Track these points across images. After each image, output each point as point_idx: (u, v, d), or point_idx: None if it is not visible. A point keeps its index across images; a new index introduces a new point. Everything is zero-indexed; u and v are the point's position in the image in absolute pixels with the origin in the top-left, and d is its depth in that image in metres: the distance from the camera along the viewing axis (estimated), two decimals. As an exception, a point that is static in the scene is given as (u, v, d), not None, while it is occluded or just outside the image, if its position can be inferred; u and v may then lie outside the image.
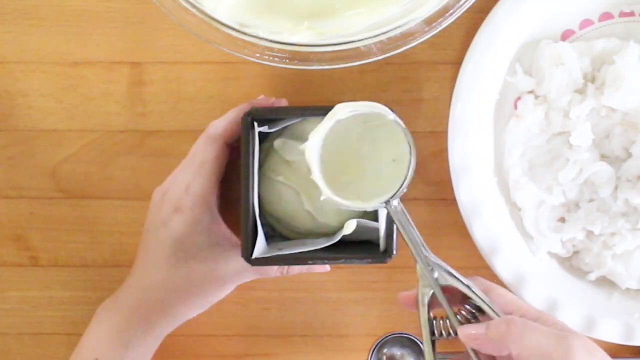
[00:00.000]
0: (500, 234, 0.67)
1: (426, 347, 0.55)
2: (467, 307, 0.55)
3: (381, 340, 0.67)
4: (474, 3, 0.61)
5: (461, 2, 0.61)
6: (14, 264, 0.70)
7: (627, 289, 0.68)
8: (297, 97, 0.69)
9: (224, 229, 0.65)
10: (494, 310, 0.54)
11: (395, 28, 0.61)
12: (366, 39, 0.61)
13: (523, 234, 0.68)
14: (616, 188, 0.66)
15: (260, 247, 0.63)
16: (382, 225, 0.62)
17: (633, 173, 0.66)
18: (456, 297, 0.56)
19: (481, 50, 0.66)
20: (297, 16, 0.62)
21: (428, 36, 0.61)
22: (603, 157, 0.67)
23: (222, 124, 0.64)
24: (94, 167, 0.70)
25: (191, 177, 0.64)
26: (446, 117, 0.66)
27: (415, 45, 0.61)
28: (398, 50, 0.61)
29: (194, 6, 0.61)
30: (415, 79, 0.69)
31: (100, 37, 0.69)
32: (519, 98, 0.68)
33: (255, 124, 0.63)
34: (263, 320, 0.71)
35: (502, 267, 0.67)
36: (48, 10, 0.68)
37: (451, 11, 0.61)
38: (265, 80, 0.69)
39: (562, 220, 0.68)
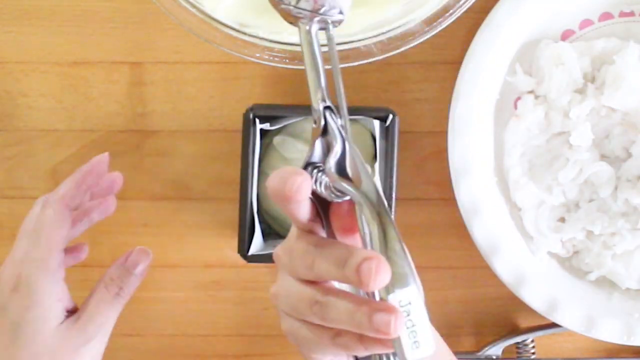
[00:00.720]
0: (500, 234, 0.67)
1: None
2: None
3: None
4: (474, 3, 0.61)
5: (461, 2, 0.61)
6: (14, 264, 0.70)
7: (627, 289, 0.68)
8: (297, 97, 0.69)
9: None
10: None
11: (395, 28, 0.61)
12: (366, 39, 0.61)
13: (523, 234, 0.68)
14: (616, 188, 0.66)
15: (257, 244, 0.63)
16: None
17: (633, 173, 0.66)
18: None
19: (481, 50, 0.66)
20: (297, 16, 0.62)
21: (428, 36, 0.61)
22: (603, 157, 0.67)
23: (61, 188, 0.57)
24: (94, 167, 0.70)
25: (26, 248, 0.54)
26: (446, 117, 0.66)
27: (415, 45, 0.61)
28: (398, 50, 0.61)
29: (194, 6, 0.61)
30: (415, 79, 0.69)
31: (100, 37, 0.69)
32: (519, 98, 0.68)
33: (257, 120, 0.63)
34: (263, 320, 0.71)
35: (502, 267, 0.67)
36: (48, 10, 0.68)
37: (451, 11, 0.61)
38: (265, 80, 0.69)
39: (562, 220, 0.68)
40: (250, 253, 0.63)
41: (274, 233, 0.67)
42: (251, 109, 0.63)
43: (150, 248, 0.69)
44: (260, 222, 0.64)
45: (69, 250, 0.59)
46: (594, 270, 0.67)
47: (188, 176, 0.70)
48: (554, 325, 0.68)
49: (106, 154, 0.59)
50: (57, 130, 0.69)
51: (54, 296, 0.53)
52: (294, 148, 0.65)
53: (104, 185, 0.60)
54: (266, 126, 0.64)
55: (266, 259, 0.63)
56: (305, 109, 0.65)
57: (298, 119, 0.65)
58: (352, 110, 0.64)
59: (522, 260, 0.67)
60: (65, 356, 0.53)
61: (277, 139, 0.65)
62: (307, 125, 0.65)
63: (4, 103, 0.69)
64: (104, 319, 0.54)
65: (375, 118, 0.64)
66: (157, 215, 0.70)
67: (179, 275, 0.69)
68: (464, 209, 0.66)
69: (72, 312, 0.55)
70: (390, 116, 0.63)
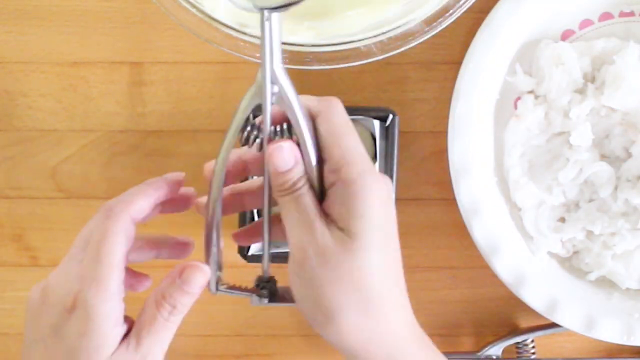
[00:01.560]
0: (500, 234, 0.67)
1: (229, 139, 0.50)
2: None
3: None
4: (474, 3, 0.61)
5: (461, 2, 0.61)
6: (14, 264, 0.70)
7: (627, 289, 0.68)
8: (297, 97, 0.69)
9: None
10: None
11: (395, 28, 0.61)
12: (366, 39, 0.61)
13: (523, 234, 0.68)
14: (616, 188, 0.66)
15: (257, 244, 0.63)
16: None
17: (633, 173, 0.66)
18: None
19: (481, 50, 0.66)
20: (297, 16, 0.62)
21: (428, 36, 0.61)
22: (603, 157, 0.67)
23: (126, 197, 0.51)
24: (94, 167, 0.70)
25: (86, 262, 0.48)
26: (446, 117, 0.66)
27: (415, 45, 0.61)
28: (398, 50, 0.61)
29: (194, 6, 0.61)
30: (415, 79, 0.69)
31: (100, 37, 0.69)
32: (519, 98, 0.68)
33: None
34: (263, 320, 0.71)
35: (502, 267, 0.67)
36: (48, 10, 0.68)
37: (451, 11, 0.61)
38: (265, 80, 0.69)
39: (562, 220, 0.68)
40: (250, 253, 0.63)
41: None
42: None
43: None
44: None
45: (131, 274, 0.53)
46: (594, 270, 0.67)
47: (188, 176, 0.69)
48: (554, 325, 0.68)
49: (182, 174, 0.54)
50: (57, 130, 0.69)
51: (112, 321, 0.48)
52: None
53: (176, 201, 0.55)
54: None
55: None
56: None
57: None
58: (352, 110, 0.64)
59: (522, 260, 0.67)
60: None
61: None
62: None
63: (4, 103, 0.69)
64: (158, 344, 0.50)
65: (375, 118, 0.64)
66: (156, 215, 0.69)
67: (179, 275, 0.69)
68: (464, 209, 0.66)
69: (126, 331, 0.50)
70: (390, 116, 0.63)
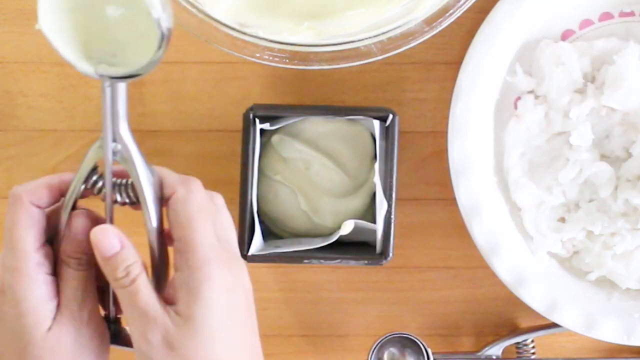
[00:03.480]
0: (500, 234, 0.67)
1: (73, 186, 0.51)
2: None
3: (381, 340, 0.67)
4: (474, 3, 0.61)
5: (461, 2, 0.61)
6: (14, 264, 0.70)
7: (627, 289, 0.68)
8: (297, 97, 0.69)
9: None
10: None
11: (395, 28, 0.61)
12: (366, 39, 0.61)
13: (523, 234, 0.68)
14: (616, 188, 0.66)
15: (257, 244, 0.63)
16: (379, 226, 0.62)
17: (633, 173, 0.66)
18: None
19: (481, 50, 0.66)
20: (297, 16, 0.62)
21: (428, 36, 0.61)
22: (603, 157, 0.67)
23: (30, 184, 0.51)
24: (94, 167, 0.70)
25: (4, 250, 0.50)
26: (446, 117, 0.66)
27: (415, 45, 0.61)
28: (398, 50, 0.61)
29: (194, 6, 0.61)
30: (415, 79, 0.69)
31: (100, 37, 0.69)
32: (519, 98, 0.68)
33: (257, 120, 0.63)
34: (263, 320, 0.71)
35: (502, 267, 0.67)
36: (48, 10, 0.68)
37: (451, 11, 0.61)
38: (265, 80, 0.69)
39: (562, 220, 0.68)
40: (250, 253, 0.63)
41: (273, 233, 0.67)
42: (251, 109, 0.63)
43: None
44: (260, 222, 0.64)
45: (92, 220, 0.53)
46: (594, 270, 0.67)
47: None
48: (554, 325, 0.68)
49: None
50: (57, 130, 0.69)
51: (41, 300, 0.50)
52: (292, 147, 0.65)
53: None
54: (266, 126, 0.64)
55: (267, 259, 0.63)
56: (304, 109, 0.65)
57: (297, 119, 0.65)
58: (352, 110, 0.64)
59: (522, 260, 0.67)
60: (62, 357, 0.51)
61: (275, 138, 0.65)
62: (306, 125, 0.65)
63: (4, 103, 0.69)
64: (77, 296, 0.51)
65: (375, 118, 0.64)
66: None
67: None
68: (464, 209, 0.66)
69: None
70: (390, 116, 0.63)
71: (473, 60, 0.66)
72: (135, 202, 0.51)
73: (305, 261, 0.63)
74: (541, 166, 0.67)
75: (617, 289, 0.68)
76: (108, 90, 0.50)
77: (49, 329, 0.50)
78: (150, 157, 0.69)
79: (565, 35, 0.67)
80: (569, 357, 0.71)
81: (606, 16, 0.67)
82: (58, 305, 0.50)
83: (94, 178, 0.51)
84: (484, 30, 0.66)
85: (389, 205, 0.62)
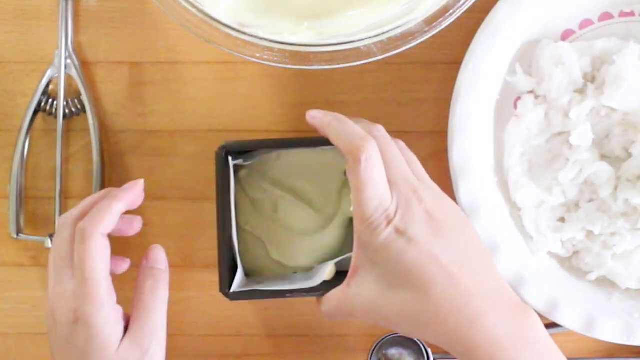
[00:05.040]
0: (500, 234, 0.67)
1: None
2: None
3: (381, 340, 0.67)
4: (474, 3, 0.61)
5: (461, 2, 0.61)
6: (14, 264, 0.70)
7: (627, 289, 0.68)
8: (297, 97, 0.69)
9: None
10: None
11: (395, 28, 0.61)
12: (366, 39, 0.61)
13: (523, 234, 0.68)
14: (616, 188, 0.66)
15: (239, 280, 0.62)
16: None
17: (633, 173, 0.66)
18: None
19: (481, 50, 0.66)
20: (297, 16, 0.62)
21: (428, 36, 0.61)
22: (603, 157, 0.67)
23: (96, 215, 0.59)
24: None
25: (77, 282, 0.58)
26: (446, 117, 0.66)
27: (415, 45, 0.61)
28: (398, 50, 0.61)
29: (194, 6, 0.61)
30: (415, 79, 0.69)
31: (100, 37, 0.69)
32: (519, 98, 0.68)
33: (230, 158, 0.62)
34: (263, 320, 0.71)
35: (502, 267, 0.67)
36: (48, 10, 0.68)
37: (451, 11, 0.61)
38: (265, 80, 0.69)
39: (562, 220, 0.68)
40: (232, 290, 0.62)
41: (256, 271, 0.66)
42: (223, 147, 0.62)
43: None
44: (241, 260, 0.63)
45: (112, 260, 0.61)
46: (594, 270, 0.67)
47: (188, 176, 0.70)
48: (554, 325, 0.68)
49: (141, 181, 0.62)
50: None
51: (110, 323, 0.58)
52: (258, 187, 0.64)
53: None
54: (240, 162, 0.64)
55: (248, 296, 0.62)
56: (278, 142, 0.65)
57: (269, 152, 0.64)
58: (323, 142, 0.62)
59: (522, 260, 0.67)
60: None
61: (242, 174, 0.65)
62: (272, 163, 0.65)
63: (4, 103, 0.69)
64: (152, 325, 0.59)
65: None
66: (157, 215, 0.70)
67: (179, 275, 0.69)
68: (464, 208, 0.66)
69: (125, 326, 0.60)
70: None
71: (473, 60, 0.66)
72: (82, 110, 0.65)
73: (288, 295, 0.62)
74: (541, 166, 0.67)
75: (617, 289, 0.68)
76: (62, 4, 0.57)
77: (117, 349, 0.57)
78: (150, 157, 0.70)
79: (565, 35, 0.68)
80: (569, 357, 0.71)
81: (606, 16, 0.67)
82: (125, 327, 0.59)
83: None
84: (484, 30, 0.66)
85: None
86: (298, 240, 0.64)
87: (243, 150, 0.64)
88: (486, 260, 0.57)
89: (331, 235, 0.64)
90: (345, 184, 0.64)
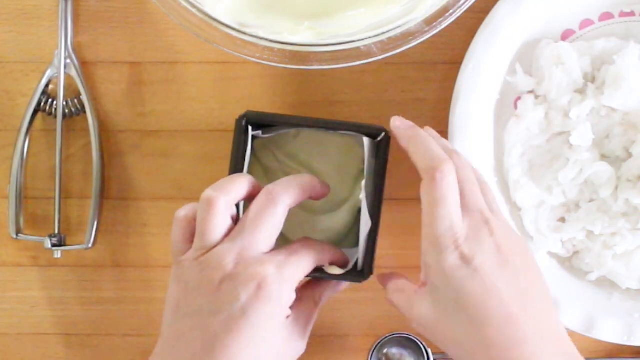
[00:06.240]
0: (500, 234, 0.67)
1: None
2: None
3: (381, 340, 0.67)
4: (474, 3, 0.61)
5: (461, 2, 0.61)
6: (14, 264, 0.70)
7: (628, 289, 0.68)
8: (297, 97, 0.69)
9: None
10: None
11: (395, 28, 0.61)
12: (366, 39, 0.61)
13: (523, 234, 0.68)
14: (616, 188, 0.66)
15: None
16: (361, 248, 0.61)
17: (633, 173, 0.66)
18: None
19: (481, 50, 0.66)
20: (297, 16, 0.62)
21: (428, 36, 0.61)
22: (603, 157, 0.67)
23: (284, 186, 0.57)
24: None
25: (274, 253, 0.56)
26: (446, 117, 0.66)
27: (415, 45, 0.61)
28: (398, 50, 0.61)
29: (194, 6, 0.61)
30: (415, 79, 0.69)
31: (100, 37, 0.69)
32: (519, 98, 0.68)
33: (250, 127, 0.61)
34: (263, 320, 0.71)
35: (502, 267, 0.66)
36: (48, 10, 0.68)
37: (451, 11, 0.61)
38: (265, 80, 0.69)
39: (562, 220, 0.68)
40: None
41: None
42: (245, 115, 0.61)
43: (150, 248, 0.70)
44: None
45: None
46: (594, 270, 0.67)
47: (188, 176, 0.70)
48: (554, 325, 0.68)
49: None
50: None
51: (289, 304, 0.56)
52: (272, 157, 0.64)
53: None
54: (258, 133, 0.63)
55: None
56: (297, 120, 0.63)
57: (289, 130, 0.64)
58: (345, 125, 0.62)
59: (522, 260, 0.67)
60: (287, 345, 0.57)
61: (258, 143, 0.64)
62: (292, 138, 0.64)
63: (4, 103, 0.69)
64: (310, 323, 0.60)
65: (367, 135, 0.61)
66: (157, 215, 0.70)
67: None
68: (464, 209, 0.66)
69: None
70: (382, 134, 0.61)
71: (473, 60, 0.66)
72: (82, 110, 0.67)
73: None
74: (541, 166, 0.67)
75: (617, 289, 0.68)
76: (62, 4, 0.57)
77: (288, 316, 0.56)
78: (150, 157, 0.70)
79: (565, 35, 0.67)
80: (569, 357, 0.71)
81: (606, 16, 0.67)
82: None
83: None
84: (484, 30, 0.66)
85: (374, 224, 0.61)
86: (305, 217, 0.64)
87: (263, 122, 0.63)
88: (548, 306, 0.56)
89: (338, 220, 0.64)
90: (361, 172, 0.64)
